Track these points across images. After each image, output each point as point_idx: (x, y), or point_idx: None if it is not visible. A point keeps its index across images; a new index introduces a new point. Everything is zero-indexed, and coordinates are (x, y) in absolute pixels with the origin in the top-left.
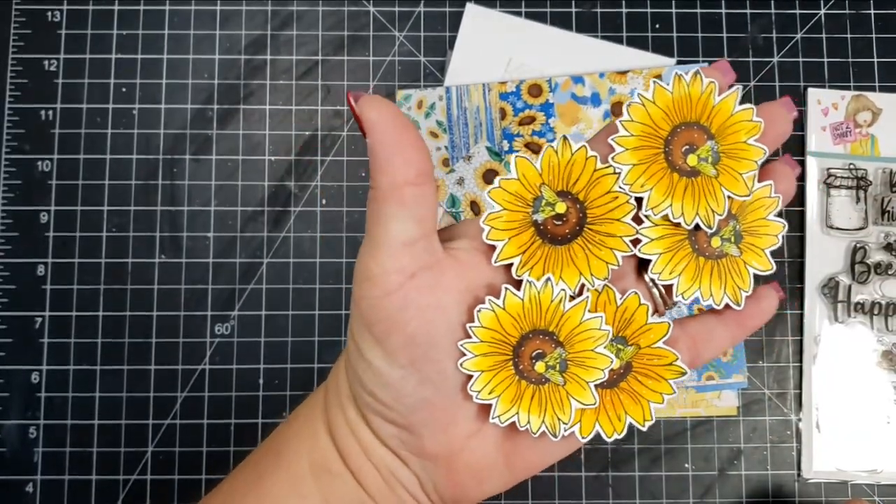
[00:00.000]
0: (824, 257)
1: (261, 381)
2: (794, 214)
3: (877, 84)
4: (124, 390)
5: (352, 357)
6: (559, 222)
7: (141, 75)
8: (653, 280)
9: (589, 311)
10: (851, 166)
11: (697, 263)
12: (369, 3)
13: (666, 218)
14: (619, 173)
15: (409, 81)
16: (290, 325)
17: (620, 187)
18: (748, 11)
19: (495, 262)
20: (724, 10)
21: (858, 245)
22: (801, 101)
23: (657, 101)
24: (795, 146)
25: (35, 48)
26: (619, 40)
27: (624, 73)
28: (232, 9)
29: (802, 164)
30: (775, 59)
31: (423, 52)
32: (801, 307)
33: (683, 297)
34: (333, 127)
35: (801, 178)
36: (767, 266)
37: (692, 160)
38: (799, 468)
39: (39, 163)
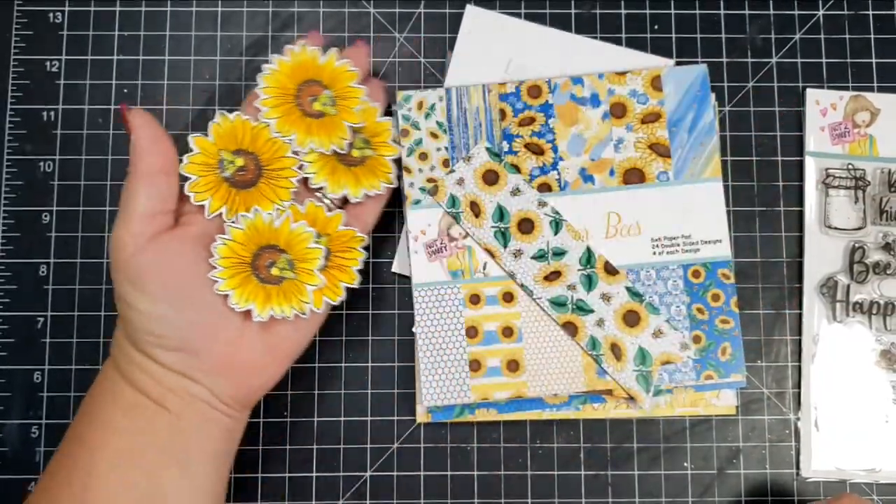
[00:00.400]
0: (823, 257)
1: None
2: (793, 214)
3: (875, 84)
4: None
5: (123, 312)
6: (243, 172)
7: (142, 76)
8: (320, 190)
9: (293, 222)
10: (850, 166)
11: (340, 170)
12: (370, 4)
13: (312, 150)
14: (270, 126)
15: (410, 82)
16: None
17: (274, 135)
18: (747, 12)
19: (208, 215)
20: (722, 11)
21: (857, 245)
22: (799, 101)
23: (281, 69)
24: (794, 146)
25: (37, 49)
26: (618, 41)
27: (623, 73)
28: (233, 10)
29: (801, 164)
30: (774, 60)
31: (424, 54)
32: (800, 307)
33: (332, 193)
34: None
35: (800, 179)
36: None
37: (317, 106)
38: (798, 467)
39: (41, 163)
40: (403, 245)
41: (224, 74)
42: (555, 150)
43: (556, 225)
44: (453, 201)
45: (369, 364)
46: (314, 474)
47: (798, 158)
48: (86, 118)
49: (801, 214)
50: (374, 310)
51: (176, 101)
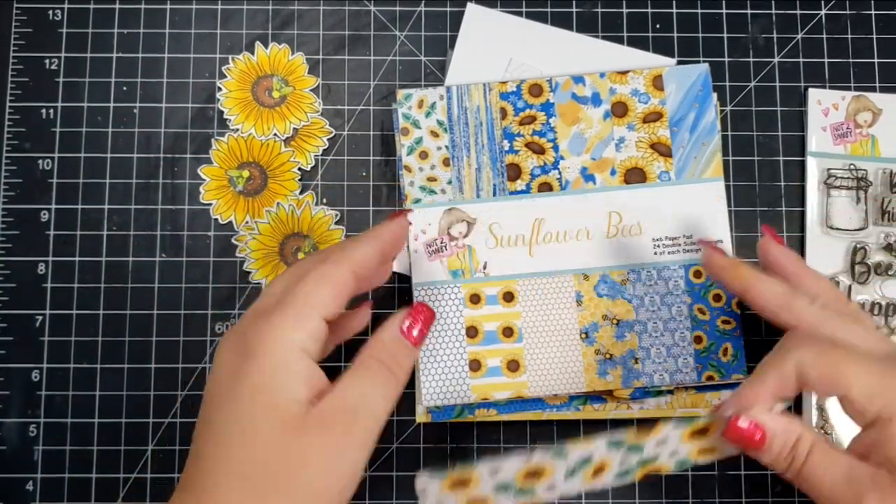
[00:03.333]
0: (824, 258)
1: None
2: (795, 215)
3: (877, 84)
4: (124, 389)
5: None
6: (251, 181)
7: (142, 74)
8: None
9: (312, 209)
10: (852, 167)
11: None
12: (370, 2)
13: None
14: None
15: (410, 81)
16: None
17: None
18: (749, 12)
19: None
20: (724, 11)
21: (859, 245)
22: (801, 101)
23: (241, 67)
24: (796, 146)
25: (36, 47)
26: (619, 40)
27: (624, 72)
28: (233, 8)
29: (803, 164)
30: (776, 60)
31: (424, 52)
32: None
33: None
34: (334, 126)
35: (802, 179)
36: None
37: (276, 95)
38: None
39: (40, 161)
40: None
41: (224, 73)
42: (556, 149)
43: (559, 453)
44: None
45: None
46: None
47: (800, 158)
48: (85, 116)
49: (802, 215)
50: (375, 309)
51: (175, 100)
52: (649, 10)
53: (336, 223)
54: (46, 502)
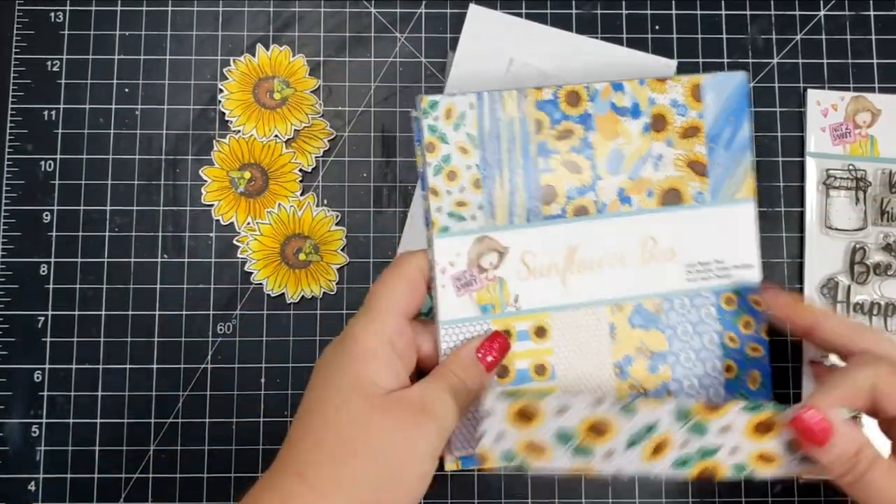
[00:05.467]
0: (824, 258)
1: (262, 381)
2: (794, 215)
3: (876, 85)
4: (126, 389)
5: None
6: (252, 182)
7: (143, 76)
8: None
9: (313, 210)
10: (851, 167)
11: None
12: (371, 4)
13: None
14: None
15: (411, 82)
16: (292, 325)
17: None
18: (748, 13)
19: (238, 228)
20: (723, 12)
21: (858, 246)
22: (800, 102)
23: (242, 69)
24: (795, 147)
25: (38, 49)
26: (619, 41)
27: (663, 80)
28: (234, 10)
29: (802, 165)
30: (775, 61)
31: (425, 54)
32: None
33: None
34: (335, 127)
35: (801, 179)
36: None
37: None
38: None
39: (42, 163)
40: (407, 243)
41: (225, 75)
42: (593, 167)
43: (627, 409)
44: (508, 456)
45: None
46: None
47: (799, 159)
48: (87, 118)
49: (801, 215)
50: None
51: (177, 101)
52: (649, 12)
53: (337, 224)
54: (48, 502)
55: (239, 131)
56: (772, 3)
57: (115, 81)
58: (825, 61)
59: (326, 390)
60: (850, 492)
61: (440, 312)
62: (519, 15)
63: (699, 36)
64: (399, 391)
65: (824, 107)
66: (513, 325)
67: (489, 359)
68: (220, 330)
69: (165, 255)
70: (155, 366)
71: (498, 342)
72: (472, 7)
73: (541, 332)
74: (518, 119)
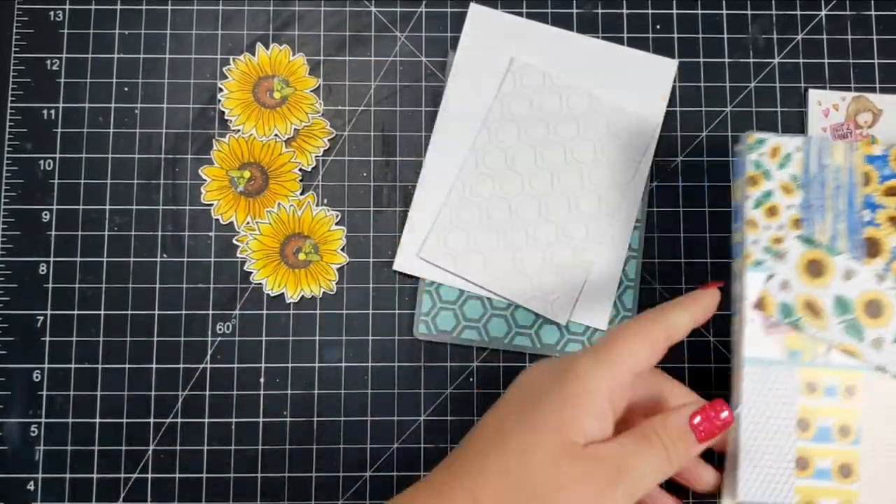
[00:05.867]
0: None
1: (262, 380)
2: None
3: (877, 85)
4: (125, 389)
5: None
6: (252, 182)
7: (143, 75)
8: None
9: (313, 210)
10: None
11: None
12: (371, 3)
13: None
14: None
15: (411, 81)
16: (291, 325)
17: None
18: (749, 12)
19: (238, 228)
20: (724, 11)
21: None
22: (801, 102)
23: (242, 68)
24: None
25: (37, 47)
26: (619, 41)
27: None
28: (234, 9)
29: None
30: (776, 61)
31: (425, 53)
32: None
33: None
34: (335, 127)
35: None
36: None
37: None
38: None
39: (41, 162)
40: (407, 243)
41: (225, 74)
42: None
43: None
44: (786, 310)
45: (369, 364)
46: (314, 474)
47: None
48: (86, 117)
49: None
50: (374, 309)
51: (176, 100)
52: (650, 11)
53: (337, 224)
54: (47, 502)
55: (239, 130)
56: (773, 2)
57: (114, 80)
58: (826, 61)
59: (527, 420)
60: None
61: (745, 349)
62: (520, 14)
63: (700, 35)
64: (597, 444)
65: (825, 107)
66: (820, 378)
67: (702, 431)
68: (220, 330)
69: (165, 255)
70: (154, 365)
71: (718, 413)
72: (473, 6)
73: (850, 390)
74: (846, 169)
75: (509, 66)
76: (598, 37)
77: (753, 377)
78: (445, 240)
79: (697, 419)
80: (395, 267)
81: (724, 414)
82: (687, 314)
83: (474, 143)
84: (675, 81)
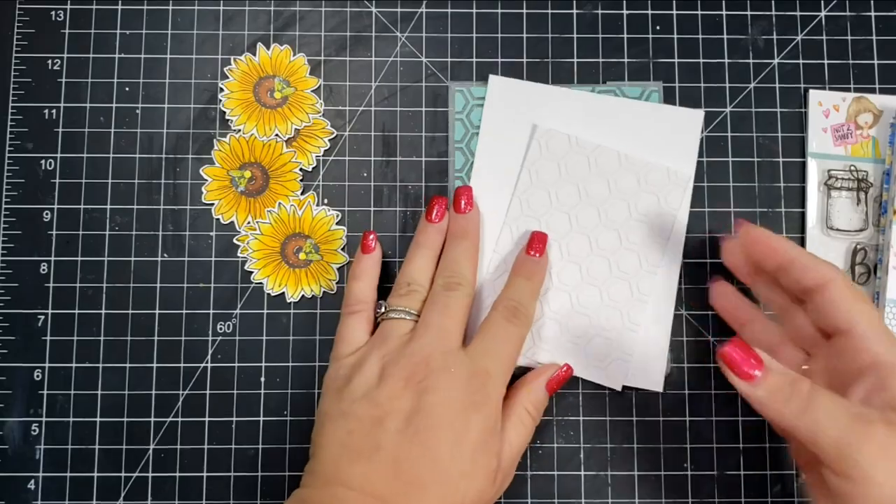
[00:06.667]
0: (825, 258)
1: (262, 380)
2: (795, 216)
3: (877, 86)
4: (126, 388)
5: None
6: (253, 181)
7: (144, 75)
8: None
9: (313, 209)
10: (852, 168)
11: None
12: (371, 3)
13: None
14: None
15: (411, 82)
16: (292, 324)
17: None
18: (749, 13)
19: (239, 228)
20: (724, 12)
21: (859, 246)
22: (801, 102)
23: (242, 68)
24: (796, 147)
25: (38, 47)
26: (619, 42)
27: None
28: (235, 9)
29: (803, 165)
30: (776, 61)
31: (425, 53)
32: None
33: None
34: (336, 127)
35: (802, 180)
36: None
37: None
38: (798, 469)
39: (42, 161)
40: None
41: (226, 74)
42: None
43: None
44: None
45: None
46: None
47: (800, 159)
48: (87, 116)
49: (802, 216)
50: None
51: (177, 100)
52: (649, 12)
53: (337, 223)
54: (48, 501)
55: (239, 130)
56: (773, 3)
57: (115, 80)
58: (826, 62)
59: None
60: (794, 428)
61: (890, 290)
62: (520, 17)
63: (700, 36)
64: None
65: (826, 107)
66: None
67: (553, 385)
68: (220, 329)
69: (165, 255)
70: (155, 365)
71: (566, 374)
72: (492, 78)
73: None
74: None
75: (533, 134)
76: (597, 37)
77: (893, 316)
78: None
79: (553, 385)
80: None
81: (567, 373)
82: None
83: (507, 215)
84: (676, 80)
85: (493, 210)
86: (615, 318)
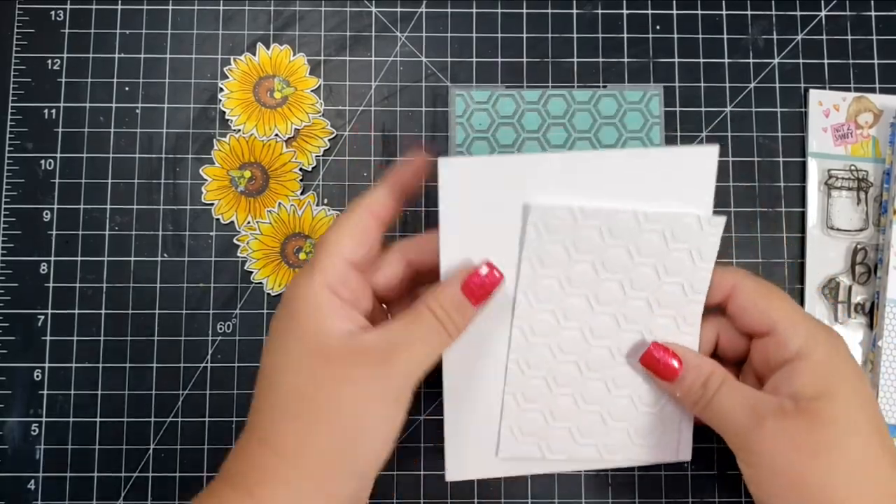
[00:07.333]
0: (825, 258)
1: None
2: (795, 215)
3: (877, 85)
4: (126, 388)
5: None
6: (253, 181)
7: (144, 75)
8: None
9: (313, 209)
10: (852, 168)
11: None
12: (371, 3)
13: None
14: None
15: (411, 82)
16: None
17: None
18: (749, 13)
19: (238, 227)
20: (724, 12)
21: (859, 246)
22: (801, 102)
23: (242, 68)
24: (796, 147)
25: (38, 47)
26: (619, 41)
27: None
28: (235, 9)
29: (803, 165)
30: (776, 61)
31: (425, 53)
32: (802, 307)
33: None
34: (336, 126)
35: (803, 180)
36: None
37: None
38: None
39: (42, 161)
40: (456, 447)
41: (226, 73)
42: None
43: None
44: None
45: None
46: None
47: (800, 159)
48: (87, 116)
49: (803, 215)
50: None
51: (177, 100)
52: (650, 12)
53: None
54: (48, 501)
55: (239, 130)
56: (773, 3)
57: (115, 80)
58: (826, 61)
59: (278, 355)
60: (703, 419)
61: (890, 290)
62: (520, 16)
63: (700, 36)
64: (358, 337)
65: (826, 107)
66: None
67: (476, 293)
68: (220, 329)
69: (165, 254)
70: (154, 365)
71: (490, 275)
72: (441, 161)
73: None
74: None
75: (526, 218)
76: (597, 37)
77: (893, 316)
78: (521, 428)
79: (470, 286)
80: (451, 478)
81: (485, 270)
82: (384, 189)
83: (514, 318)
84: (676, 80)
85: (494, 318)
86: (658, 392)
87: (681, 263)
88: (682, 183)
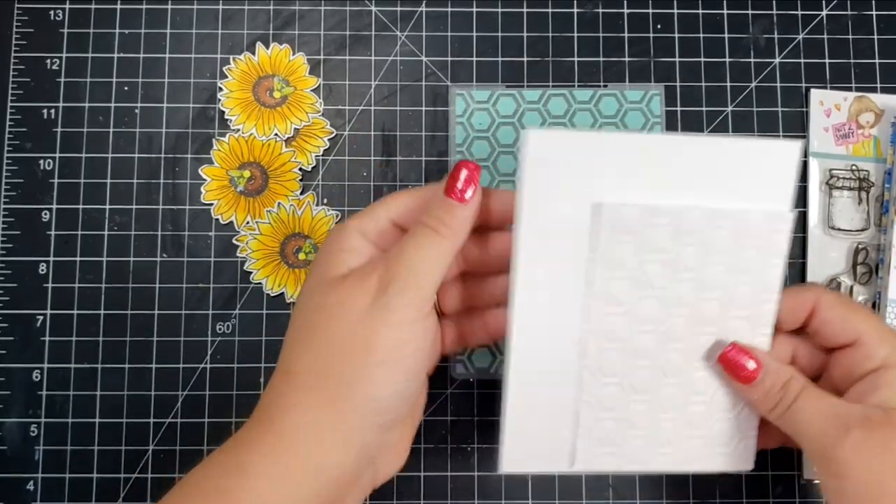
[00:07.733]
0: (826, 258)
1: (261, 380)
2: (796, 215)
3: (878, 85)
4: (125, 389)
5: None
6: (252, 181)
7: (143, 74)
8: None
9: (313, 209)
10: (853, 167)
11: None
12: (371, 3)
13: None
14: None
15: (411, 81)
16: None
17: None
18: (749, 12)
19: (238, 228)
20: (725, 11)
21: (860, 246)
22: (802, 102)
23: (242, 68)
24: None
25: (37, 47)
26: (620, 41)
27: None
28: (234, 8)
29: (804, 165)
30: (777, 60)
31: (425, 52)
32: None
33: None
34: (335, 126)
35: (804, 179)
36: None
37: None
38: (800, 469)
39: (41, 161)
40: (514, 443)
41: (225, 73)
42: None
43: None
44: None
45: None
46: None
47: (802, 159)
48: (86, 116)
49: (804, 215)
50: None
51: (176, 100)
52: (650, 11)
53: (337, 223)
54: (47, 502)
55: (238, 130)
56: (774, 2)
57: (114, 80)
58: (827, 61)
59: (301, 291)
60: (781, 427)
61: (891, 290)
62: (520, 15)
63: (701, 35)
64: (363, 264)
65: (827, 107)
66: None
67: (459, 187)
68: (220, 329)
69: (165, 255)
70: (154, 365)
71: (466, 169)
72: (531, 133)
73: None
74: None
75: (597, 218)
76: (598, 37)
77: (894, 316)
78: (598, 438)
79: (453, 186)
80: (506, 470)
81: (468, 167)
82: (432, 190)
83: (588, 322)
84: (677, 80)
85: (564, 315)
86: (734, 397)
87: (752, 262)
88: (759, 177)
